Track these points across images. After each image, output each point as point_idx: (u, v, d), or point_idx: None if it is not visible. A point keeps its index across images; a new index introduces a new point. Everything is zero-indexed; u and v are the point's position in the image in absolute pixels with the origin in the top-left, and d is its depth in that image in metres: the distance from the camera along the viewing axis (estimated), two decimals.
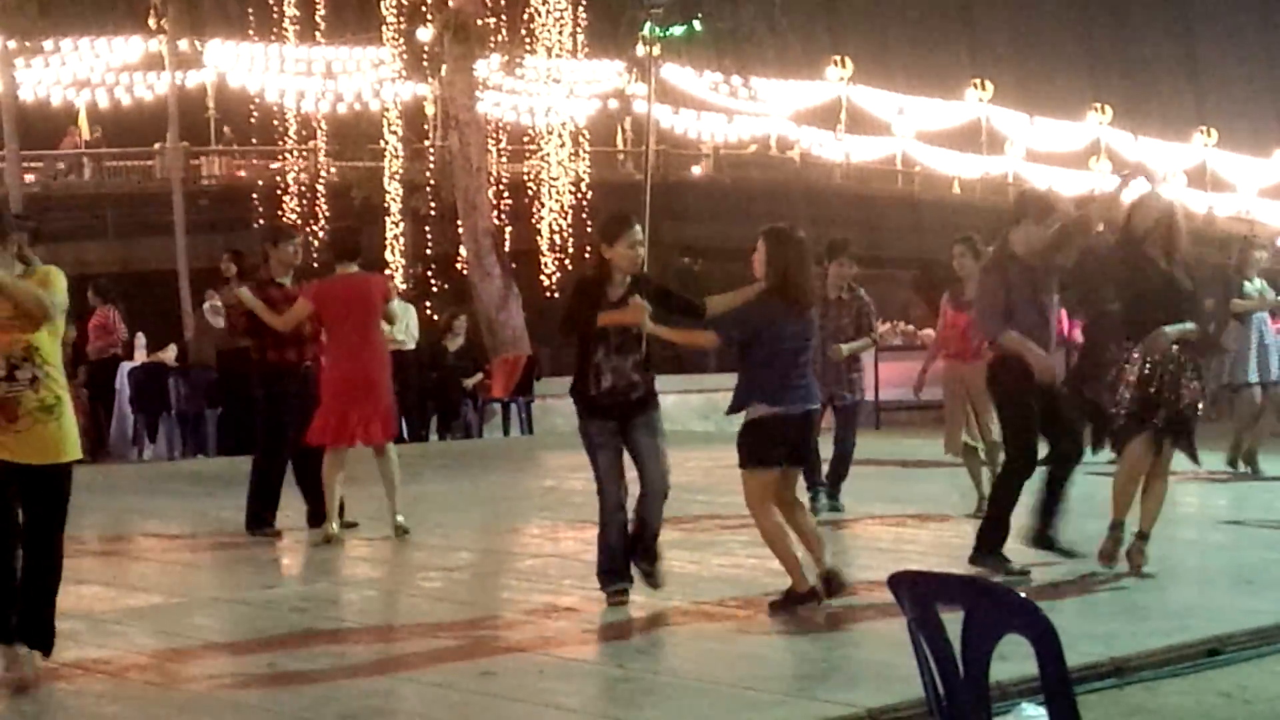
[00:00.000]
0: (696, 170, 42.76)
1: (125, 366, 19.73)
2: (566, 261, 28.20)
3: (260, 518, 11.56)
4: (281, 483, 11.63)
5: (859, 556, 10.52)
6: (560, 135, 28.89)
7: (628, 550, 8.63)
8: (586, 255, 27.15)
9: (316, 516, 11.45)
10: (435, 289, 28.81)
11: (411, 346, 20.20)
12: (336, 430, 11.10)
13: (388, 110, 29.09)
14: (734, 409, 8.53)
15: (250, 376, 12.01)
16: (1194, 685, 6.97)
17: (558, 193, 28.44)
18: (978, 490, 11.75)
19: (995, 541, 9.30)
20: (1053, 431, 9.44)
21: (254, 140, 32.71)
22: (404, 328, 20.31)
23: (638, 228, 8.58)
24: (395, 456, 11.44)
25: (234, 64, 34.33)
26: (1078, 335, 24.66)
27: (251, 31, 30.35)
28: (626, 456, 8.60)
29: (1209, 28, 60.60)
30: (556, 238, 28.35)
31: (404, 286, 25.59)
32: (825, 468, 12.32)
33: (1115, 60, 55.63)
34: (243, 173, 35.71)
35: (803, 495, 9.39)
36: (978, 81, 50.04)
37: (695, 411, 23.52)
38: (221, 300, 11.41)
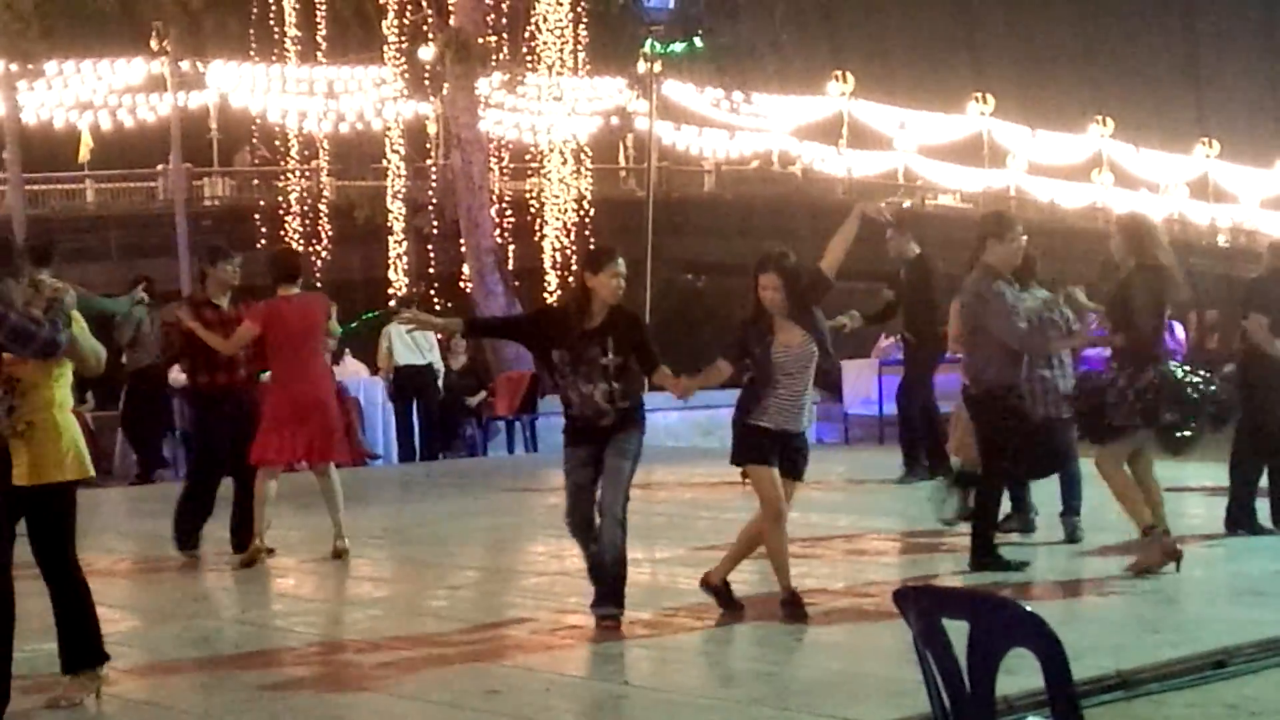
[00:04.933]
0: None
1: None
2: (569, 279, 28.21)
3: (188, 537, 11.46)
4: (212, 504, 11.50)
5: (863, 571, 10.52)
6: (562, 153, 28.91)
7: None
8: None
9: (242, 541, 11.39)
10: (439, 308, 28.82)
11: (425, 363, 20.38)
12: (277, 449, 11.09)
13: (390, 129, 29.14)
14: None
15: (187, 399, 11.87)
16: (1200, 697, 6.96)
17: (560, 210, 28.45)
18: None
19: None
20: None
21: (257, 161, 32.79)
22: (413, 344, 20.45)
23: (621, 260, 8.62)
24: (336, 477, 11.34)
25: (236, 85, 34.36)
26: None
27: (253, 52, 30.39)
28: None
29: (1210, 39, 60.68)
30: (559, 255, 28.36)
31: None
32: None
33: (1117, 72, 55.68)
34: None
35: None
36: (979, 95, 50.08)
37: (698, 428, 23.49)
38: (161, 317, 11.32)
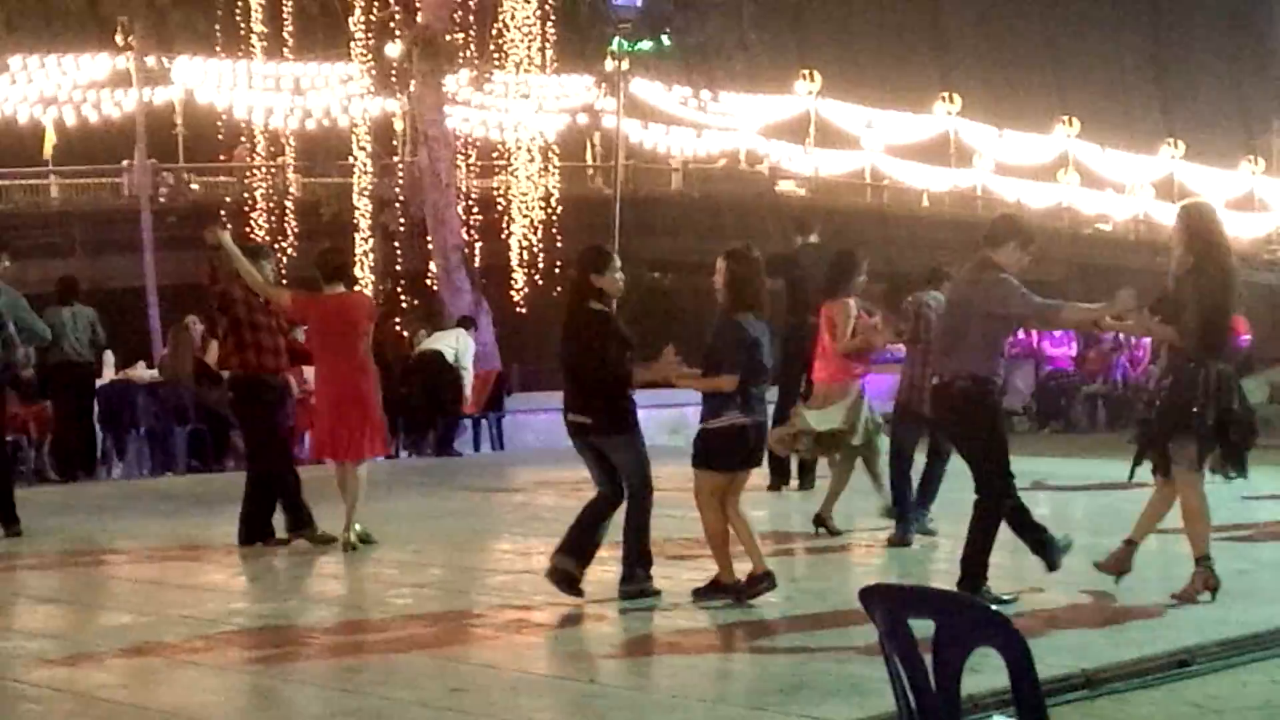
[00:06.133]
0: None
1: None
2: (536, 277, 28.19)
3: (263, 529, 11.68)
4: (299, 487, 11.76)
5: (830, 571, 10.54)
6: (529, 150, 28.86)
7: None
8: (557, 270, 27.22)
9: (297, 524, 11.72)
10: (405, 305, 28.76)
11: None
12: (331, 446, 11.44)
13: (356, 126, 29.06)
14: (709, 416, 8.80)
15: (228, 387, 12.26)
16: (1164, 696, 6.99)
17: (527, 208, 28.41)
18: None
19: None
20: None
21: (220, 156, 32.69)
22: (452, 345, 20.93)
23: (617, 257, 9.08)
24: (364, 474, 11.51)
25: (202, 80, 34.24)
26: (1046, 347, 24.83)
27: (219, 48, 30.23)
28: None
29: (1175, 40, 60.97)
30: (526, 253, 28.33)
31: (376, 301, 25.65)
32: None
33: (1083, 73, 55.89)
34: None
35: None
36: (946, 95, 50.21)
37: (664, 426, 23.51)
38: (208, 243, 11.81)
